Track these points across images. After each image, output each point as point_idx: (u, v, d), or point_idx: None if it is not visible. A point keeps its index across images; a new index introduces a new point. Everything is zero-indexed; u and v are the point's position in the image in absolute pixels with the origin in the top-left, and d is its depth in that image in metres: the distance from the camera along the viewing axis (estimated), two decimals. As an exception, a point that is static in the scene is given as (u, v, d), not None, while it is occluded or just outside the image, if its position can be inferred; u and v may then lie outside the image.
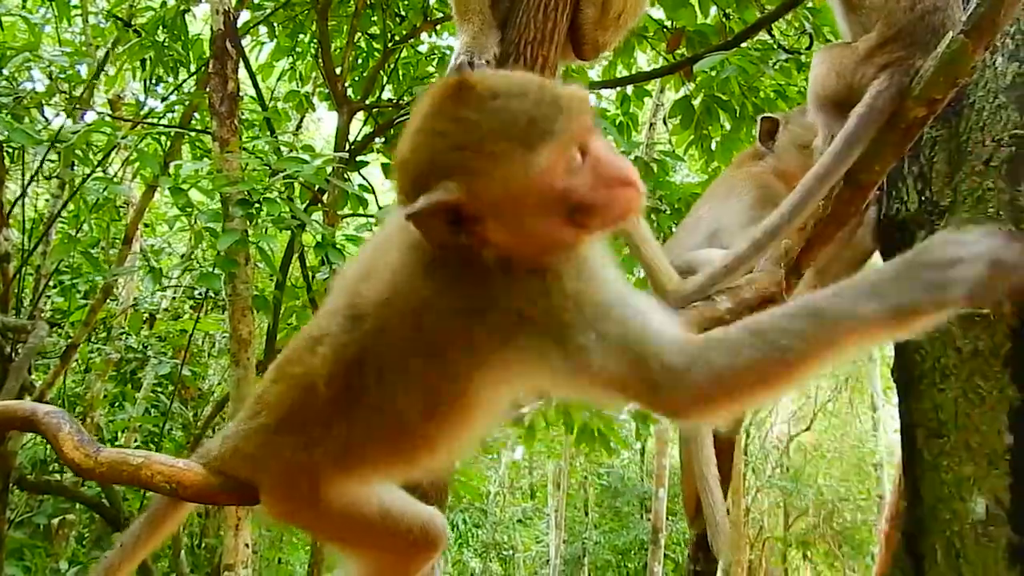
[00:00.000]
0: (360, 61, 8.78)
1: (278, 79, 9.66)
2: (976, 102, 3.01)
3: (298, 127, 12.16)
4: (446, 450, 1.82)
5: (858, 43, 2.61)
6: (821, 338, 1.50)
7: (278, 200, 5.90)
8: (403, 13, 8.55)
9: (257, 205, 5.97)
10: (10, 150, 6.90)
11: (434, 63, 8.63)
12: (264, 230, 6.29)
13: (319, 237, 6.26)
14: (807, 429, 19.35)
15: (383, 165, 8.12)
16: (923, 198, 3.07)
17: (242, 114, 8.74)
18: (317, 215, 7.90)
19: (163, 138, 7.81)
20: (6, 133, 5.49)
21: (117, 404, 9.30)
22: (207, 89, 6.81)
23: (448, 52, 8.67)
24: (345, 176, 8.34)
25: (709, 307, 2.46)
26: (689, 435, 3.31)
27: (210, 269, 6.62)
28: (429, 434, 1.78)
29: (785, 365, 1.51)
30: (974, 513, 2.86)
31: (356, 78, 8.69)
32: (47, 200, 8.65)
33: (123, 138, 6.60)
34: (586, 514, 18.38)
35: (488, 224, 1.54)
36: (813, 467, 20.09)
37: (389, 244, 1.74)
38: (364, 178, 8.70)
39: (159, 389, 9.65)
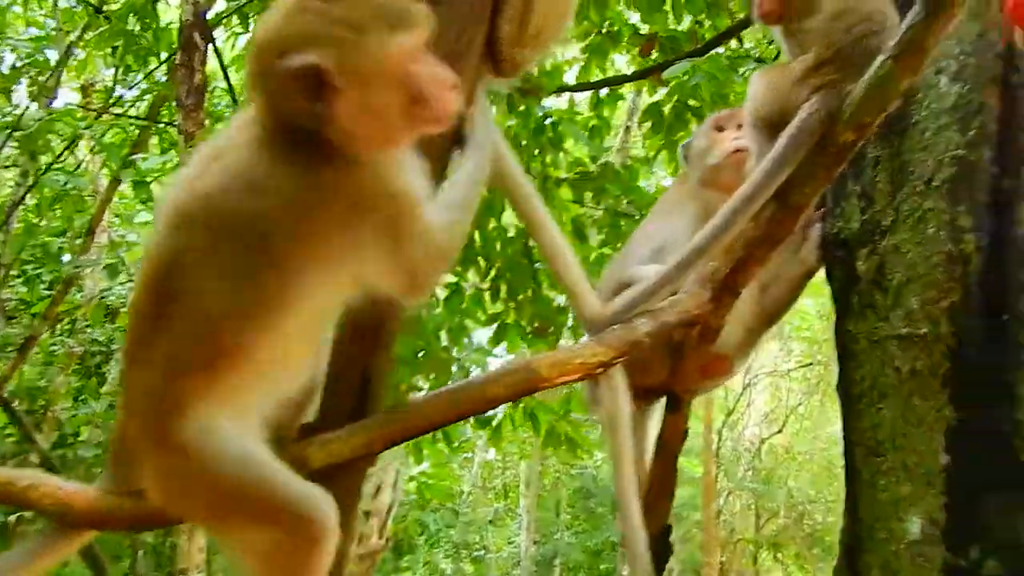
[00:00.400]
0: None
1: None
2: (919, 122, 3.01)
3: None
4: (271, 358, 1.79)
5: (795, 64, 2.61)
6: None
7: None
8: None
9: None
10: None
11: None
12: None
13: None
14: (779, 432, 19.46)
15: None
16: (865, 217, 3.07)
17: (216, 105, 8.70)
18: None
19: (131, 128, 7.74)
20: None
21: (80, 399, 9.22)
22: (175, 81, 6.76)
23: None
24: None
25: (628, 330, 2.45)
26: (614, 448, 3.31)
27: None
28: (250, 334, 1.76)
29: None
30: (909, 532, 2.87)
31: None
32: (11, 188, 8.56)
33: (87, 128, 6.54)
34: (558, 515, 18.42)
35: (342, 98, 1.71)
36: (784, 469, 20.21)
37: (226, 145, 1.82)
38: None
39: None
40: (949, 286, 2.90)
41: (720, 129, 3.37)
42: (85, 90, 9.92)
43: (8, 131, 6.30)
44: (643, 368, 3.18)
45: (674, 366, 3.02)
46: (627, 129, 13.65)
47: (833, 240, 3.16)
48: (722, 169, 3.23)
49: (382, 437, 2.10)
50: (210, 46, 7.24)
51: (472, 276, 8.36)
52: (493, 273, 8.11)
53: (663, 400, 3.24)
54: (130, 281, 9.67)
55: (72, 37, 8.16)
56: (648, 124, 7.70)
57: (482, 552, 17.53)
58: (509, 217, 8.38)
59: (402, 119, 1.81)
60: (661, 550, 3.33)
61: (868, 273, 3.02)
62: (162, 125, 7.76)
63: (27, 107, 7.02)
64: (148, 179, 6.09)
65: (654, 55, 7.79)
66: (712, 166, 3.32)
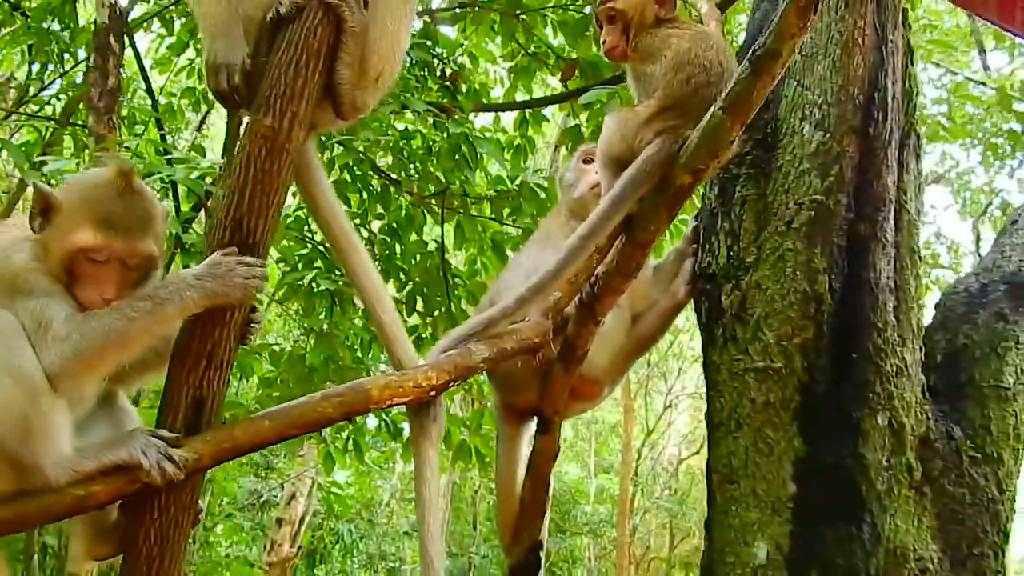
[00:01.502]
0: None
1: (176, 74, 9.50)
2: (783, 166, 3.17)
3: (200, 126, 11.99)
4: None
5: (641, 107, 2.73)
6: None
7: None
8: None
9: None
10: None
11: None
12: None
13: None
14: (697, 453, 19.75)
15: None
16: (731, 253, 3.21)
17: (139, 103, 8.60)
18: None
19: (43, 129, 7.62)
20: None
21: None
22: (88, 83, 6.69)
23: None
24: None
25: (464, 355, 2.53)
26: (499, 462, 3.40)
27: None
28: None
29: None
30: (756, 558, 2.99)
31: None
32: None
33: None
34: (475, 528, 18.44)
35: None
36: (700, 490, 20.47)
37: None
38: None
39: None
40: (803, 323, 3.05)
41: (587, 161, 3.46)
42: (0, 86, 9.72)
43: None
44: (514, 389, 3.28)
45: (543, 388, 3.11)
46: (556, 148, 13.82)
47: (702, 274, 3.29)
48: (587, 201, 3.32)
49: (209, 455, 2.15)
50: (128, 49, 7.18)
51: (391, 288, 8.38)
52: (410, 287, 8.14)
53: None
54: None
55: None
56: (567, 146, 7.84)
57: (397, 563, 17.47)
58: (429, 232, 8.45)
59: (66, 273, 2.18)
60: (531, 566, 3.43)
61: (731, 307, 3.16)
62: (75, 127, 7.65)
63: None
64: (54, 181, 5.99)
65: (575, 79, 7.93)
66: (576, 198, 3.42)
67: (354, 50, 2.42)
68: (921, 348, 3.22)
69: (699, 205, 3.63)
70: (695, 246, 3.36)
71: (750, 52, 2.24)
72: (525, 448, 3.39)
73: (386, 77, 2.54)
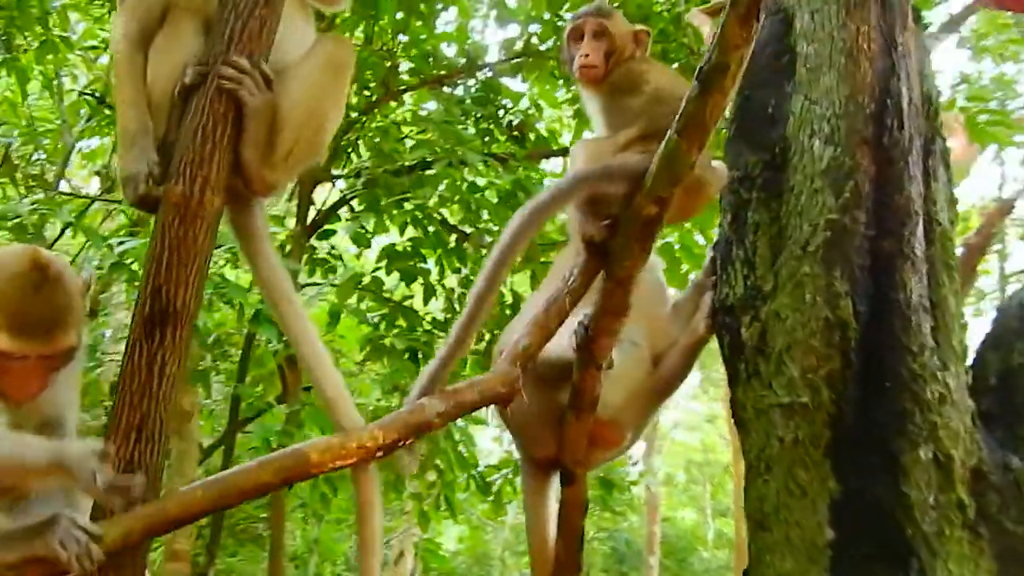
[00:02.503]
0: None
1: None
2: (795, 186, 2.98)
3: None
4: None
5: (618, 136, 2.61)
6: None
7: (211, 276, 5.96)
8: (368, 84, 8.68)
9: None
10: None
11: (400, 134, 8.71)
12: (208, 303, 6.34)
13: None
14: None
15: (355, 234, 8.15)
16: (748, 283, 3.02)
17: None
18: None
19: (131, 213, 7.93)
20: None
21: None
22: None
23: (410, 121, 8.77)
24: (311, 245, 8.45)
25: (415, 411, 2.41)
26: (528, 517, 3.28)
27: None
28: None
29: None
30: (794, 612, 2.76)
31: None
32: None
33: (76, 215, 6.74)
34: (588, 579, 18.02)
35: None
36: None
37: None
38: (332, 246, 8.81)
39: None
40: (828, 353, 2.83)
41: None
42: (102, 176, 10.23)
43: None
44: (531, 440, 3.16)
45: (560, 438, 2.98)
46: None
47: (721, 307, 3.11)
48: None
49: (140, 530, 2.09)
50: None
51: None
52: (488, 338, 8.09)
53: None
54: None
55: (79, 128, 8.46)
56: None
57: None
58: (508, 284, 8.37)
59: None
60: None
61: (751, 340, 2.97)
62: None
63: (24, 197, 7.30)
64: (126, 261, 6.22)
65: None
66: None
67: (256, 131, 2.39)
68: (968, 371, 2.95)
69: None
70: (714, 278, 3.18)
71: (697, 70, 2.10)
72: (554, 501, 3.25)
73: (301, 152, 2.50)
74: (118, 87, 2.53)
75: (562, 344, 2.78)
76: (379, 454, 2.37)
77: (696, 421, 21.37)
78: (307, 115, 2.47)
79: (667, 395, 3.32)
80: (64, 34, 7.88)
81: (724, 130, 3.30)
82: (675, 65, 7.58)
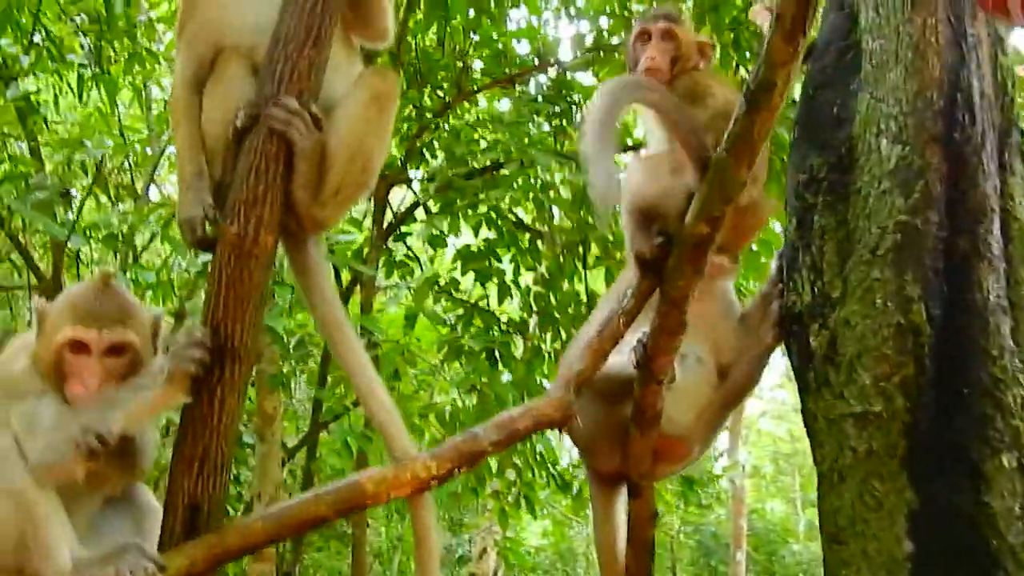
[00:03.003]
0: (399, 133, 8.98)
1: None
2: (862, 188, 2.87)
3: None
4: None
5: (677, 153, 2.55)
6: None
7: (289, 283, 6.07)
8: (441, 85, 8.73)
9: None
10: None
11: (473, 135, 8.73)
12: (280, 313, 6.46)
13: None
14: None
15: (430, 236, 8.21)
16: (815, 289, 2.93)
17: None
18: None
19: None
20: None
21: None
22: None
23: (482, 121, 8.78)
24: (387, 247, 8.55)
25: (468, 440, 2.40)
26: (596, 529, 3.25)
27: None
28: None
29: None
30: (872, 628, 2.68)
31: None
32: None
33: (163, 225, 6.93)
34: (675, 574, 17.82)
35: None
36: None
37: None
38: (408, 248, 8.89)
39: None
40: (901, 359, 2.73)
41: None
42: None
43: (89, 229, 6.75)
44: (596, 454, 3.13)
45: (625, 452, 2.95)
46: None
47: (788, 315, 3.03)
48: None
49: (202, 559, 2.16)
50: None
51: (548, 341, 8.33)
52: (564, 338, 8.07)
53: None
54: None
55: (166, 136, 8.71)
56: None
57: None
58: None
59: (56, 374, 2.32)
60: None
61: (821, 348, 2.88)
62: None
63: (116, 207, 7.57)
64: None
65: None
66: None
67: (307, 170, 2.42)
68: (1051, 373, 2.81)
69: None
70: (780, 286, 3.10)
71: (744, 87, 2.04)
72: (622, 512, 3.23)
73: (350, 188, 2.52)
74: (176, 131, 2.61)
75: (623, 359, 2.75)
76: (433, 483, 2.38)
77: (783, 410, 20.91)
78: (354, 152, 2.50)
79: (734, 406, 3.26)
80: (150, 46, 8.14)
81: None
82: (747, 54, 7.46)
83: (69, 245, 6.15)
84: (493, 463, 8.27)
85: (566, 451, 9.53)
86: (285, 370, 7.29)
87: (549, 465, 8.37)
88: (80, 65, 7.37)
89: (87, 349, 2.28)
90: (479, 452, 2.38)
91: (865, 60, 2.98)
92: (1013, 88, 3.01)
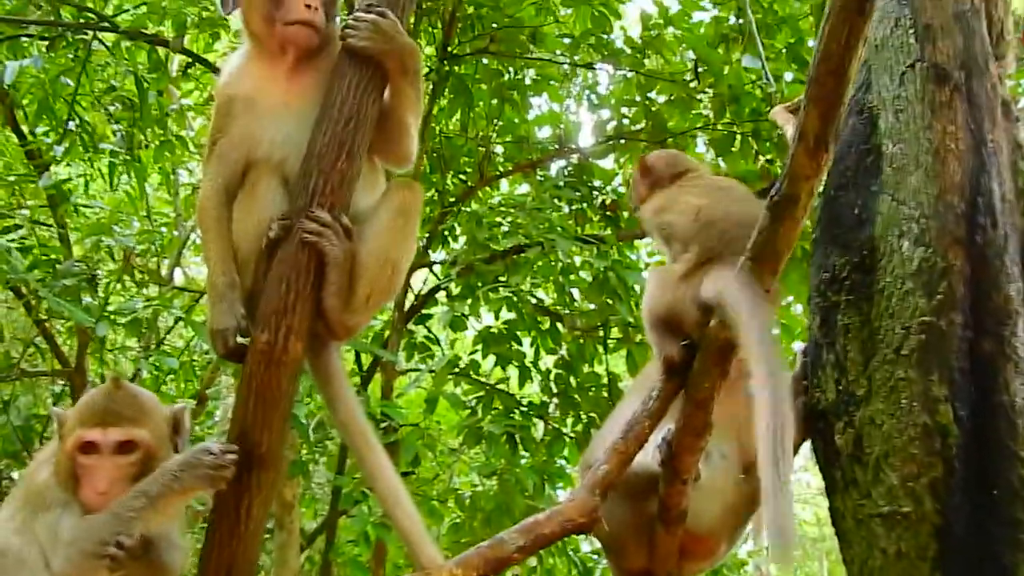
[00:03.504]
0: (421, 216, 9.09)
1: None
2: (885, 288, 2.90)
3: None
4: None
5: (676, 265, 2.64)
6: None
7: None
8: (464, 171, 8.88)
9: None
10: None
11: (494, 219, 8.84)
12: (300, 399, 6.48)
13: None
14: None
15: (451, 318, 8.25)
16: (840, 388, 2.94)
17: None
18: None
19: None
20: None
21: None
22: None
23: (504, 206, 8.89)
24: (408, 330, 8.58)
25: (495, 547, 2.40)
26: None
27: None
28: None
29: None
30: None
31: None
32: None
33: (185, 311, 7.02)
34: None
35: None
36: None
37: None
38: (429, 330, 8.92)
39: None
40: (929, 460, 2.73)
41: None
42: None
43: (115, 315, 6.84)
44: (622, 552, 3.12)
45: (650, 550, 2.94)
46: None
47: (813, 412, 3.03)
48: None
49: None
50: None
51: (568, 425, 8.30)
52: (584, 421, 8.04)
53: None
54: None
55: (192, 221, 8.87)
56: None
57: None
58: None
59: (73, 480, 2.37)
60: None
61: (846, 447, 2.88)
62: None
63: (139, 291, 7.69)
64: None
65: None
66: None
67: (338, 279, 2.49)
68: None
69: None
70: (804, 383, 3.11)
71: (768, 199, 2.10)
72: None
73: (379, 295, 2.59)
74: (205, 242, 2.68)
75: (647, 458, 2.77)
76: None
77: (808, 494, 20.58)
78: (384, 261, 2.58)
79: (760, 503, 3.24)
80: (181, 132, 8.36)
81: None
82: (767, 143, 7.58)
83: (94, 332, 6.22)
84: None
85: (587, 537, 9.40)
86: (304, 456, 7.28)
87: (570, 552, 8.25)
88: (111, 152, 7.56)
89: (96, 448, 2.33)
90: (505, 559, 2.37)
91: (885, 163, 3.04)
92: (1033, 192, 3.06)
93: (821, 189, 3.29)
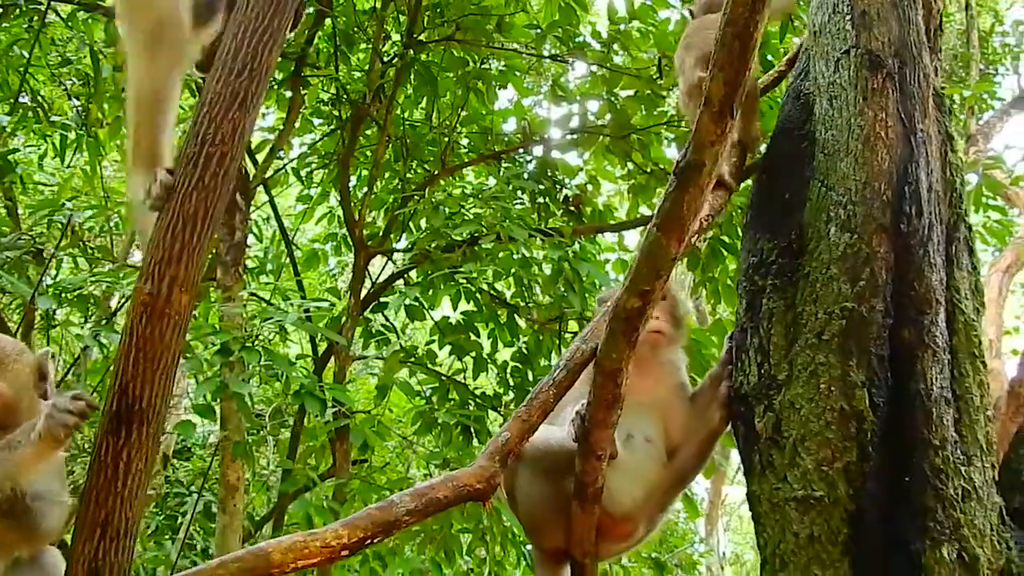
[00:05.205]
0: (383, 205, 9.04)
1: (317, 221, 9.99)
2: (810, 273, 2.90)
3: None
4: None
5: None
6: None
7: (258, 349, 6.03)
8: (426, 160, 8.84)
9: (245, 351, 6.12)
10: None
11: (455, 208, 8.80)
12: (248, 379, 6.41)
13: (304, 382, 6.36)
14: None
15: (407, 307, 8.20)
16: (762, 371, 2.93)
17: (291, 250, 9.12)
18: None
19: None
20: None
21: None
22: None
23: (465, 196, 8.86)
24: (365, 317, 8.52)
25: (384, 509, 2.36)
26: None
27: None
28: None
29: None
30: None
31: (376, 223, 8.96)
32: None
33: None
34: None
35: None
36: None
37: None
38: (386, 319, 8.87)
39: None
40: (845, 445, 2.73)
41: None
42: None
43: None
44: (539, 531, 3.10)
45: (568, 530, 2.92)
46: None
47: (735, 396, 3.03)
48: (640, 344, 3.17)
49: None
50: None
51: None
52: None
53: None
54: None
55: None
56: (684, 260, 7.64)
57: None
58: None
59: None
60: None
61: (766, 430, 2.87)
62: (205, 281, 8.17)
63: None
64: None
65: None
66: None
67: None
68: (994, 466, 2.81)
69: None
70: (729, 367, 3.10)
71: (674, 165, 2.08)
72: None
73: None
74: None
75: (564, 434, 2.74)
76: (344, 553, 2.31)
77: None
78: None
79: (682, 488, 3.24)
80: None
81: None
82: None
83: (38, 306, 6.12)
84: (464, 541, 8.16)
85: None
86: (252, 439, 7.20)
87: (520, 544, 8.23)
88: (64, 126, 7.44)
89: None
90: (394, 521, 2.32)
91: (818, 149, 3.04)
92: (962, 185, 3.07)
93: (755, 176, 3.30)
